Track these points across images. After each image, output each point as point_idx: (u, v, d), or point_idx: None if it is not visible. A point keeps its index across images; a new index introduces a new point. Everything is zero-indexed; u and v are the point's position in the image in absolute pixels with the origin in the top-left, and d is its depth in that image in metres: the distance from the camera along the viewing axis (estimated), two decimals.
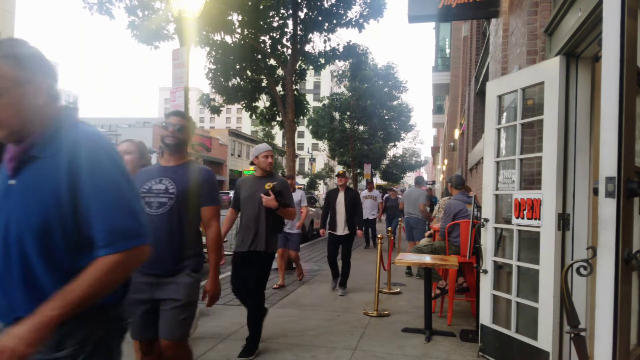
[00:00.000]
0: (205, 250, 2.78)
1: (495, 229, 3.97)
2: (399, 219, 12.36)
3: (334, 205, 6.76)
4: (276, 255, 6.44)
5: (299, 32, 8.71)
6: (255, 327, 4.16)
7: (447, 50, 20.73)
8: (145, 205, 2.53)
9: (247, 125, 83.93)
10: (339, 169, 45.06)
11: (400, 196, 13.99)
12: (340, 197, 6.77)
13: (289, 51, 8.90)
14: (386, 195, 13.56)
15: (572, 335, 2.32)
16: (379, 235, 6.31)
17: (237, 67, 9.07)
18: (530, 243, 3.65)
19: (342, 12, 8.70)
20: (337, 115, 21.87)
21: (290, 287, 7.03)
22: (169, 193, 2.56)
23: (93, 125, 1.49)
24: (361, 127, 22.07)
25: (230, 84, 9.43)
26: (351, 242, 6.76)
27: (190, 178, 2.60)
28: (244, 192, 4.22)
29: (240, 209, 4.28)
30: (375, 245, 10.89)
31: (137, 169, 2.90)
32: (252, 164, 4.42)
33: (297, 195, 7.24)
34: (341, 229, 6.71)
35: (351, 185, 26.10)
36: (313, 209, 15.49)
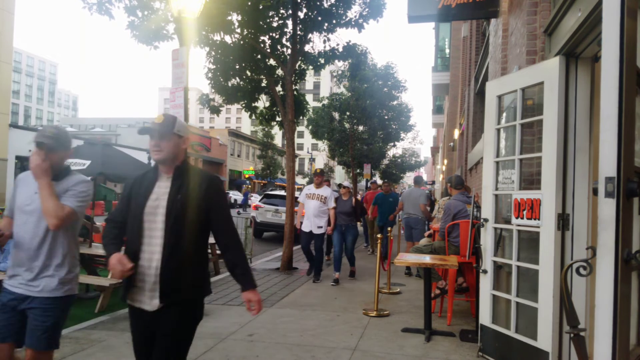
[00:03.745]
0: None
1: (495, 229, 3.97)
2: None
3: (138, 221, 2.28)
4: None
5: (299, 32, 8.71)
6: None
7: (447, 51, 20.74)
8: None
9: (246, 125, 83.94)
10: (339, 169, 44.96)
11: (393, 189, 11.40)
12: (156, 195, 2.30)
13: (289, 51, 8.89)
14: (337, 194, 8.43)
15: (572, 335, 2.32)
16: (379, 235, 6.24)
17: (237, 67, 9.06)
18: (530, 243, 3.65)
19: (342, 12, 8.68)
20: (336, 115, 21.84)
21: (289, 287, 7.03)
22: None
23: None
24: (361, 127, 22.02)
25: (229, 84, 9.42)
26: (184, 333, 2.29)
27: None
28: None
29: None
30: (319, 280, 7.54)
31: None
32: None
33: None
34: (148, 297, 2.25)
35: (353, 186, 25.45)
36: None
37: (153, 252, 2.24)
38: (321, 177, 7.90)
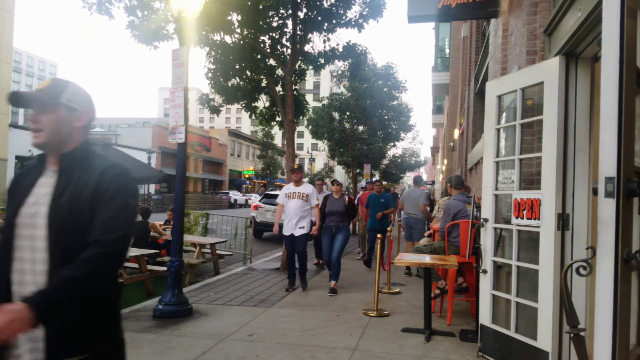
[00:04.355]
0: None
1: (495, 229, 3.97)
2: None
3: (7, 238, 1.57)
4: None
5: (299, 32, 8.71)
6: None
7: (447, 51, 20.75)
8: None
9: (246, 125, 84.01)
10: (338, 169, 44.92)
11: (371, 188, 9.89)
12: (35, 198, 1.56)
13: (289, 51, 8.89)
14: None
15: (572, 335, 2.32)
16: (378, 235, 6.23)
17: (237, 67, 9.07)
18: (529, 243, 3.65)
19: (342, 12, 8.69)
20: (336, 115, 21.84)
21: None
22: None
23: None
24: (361, 127, 22.02)
25: (229, 84, 9.42)
26: None
27: None
28: None
29: None
30: (305, 286, 6.88)
31: None
32: None
33: None
34: (27, 350, 1.48)
35: (353, 186, 25.28)
36: None
37: (32, 282, 1.48)
38: (300, 174, 6.98)
